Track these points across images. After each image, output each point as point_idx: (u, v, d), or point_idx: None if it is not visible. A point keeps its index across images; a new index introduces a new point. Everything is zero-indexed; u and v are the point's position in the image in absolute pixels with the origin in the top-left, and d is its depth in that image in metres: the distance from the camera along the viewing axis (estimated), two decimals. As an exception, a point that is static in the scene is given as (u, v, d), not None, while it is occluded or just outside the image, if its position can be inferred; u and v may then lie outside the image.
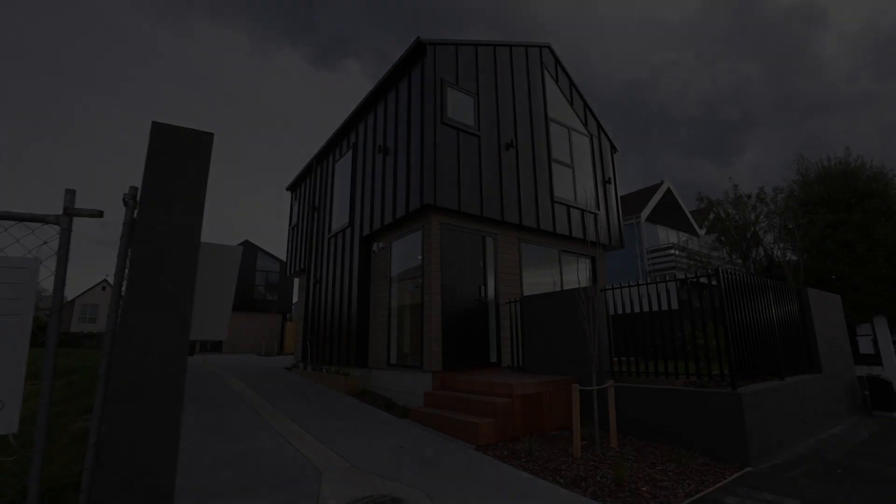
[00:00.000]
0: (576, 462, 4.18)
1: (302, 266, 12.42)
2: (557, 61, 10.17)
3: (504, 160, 8.18)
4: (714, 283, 4.93)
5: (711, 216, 15.99)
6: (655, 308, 5.50)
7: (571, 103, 10.18)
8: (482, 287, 7.43)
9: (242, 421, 5.71)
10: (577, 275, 8.95)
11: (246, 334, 27.16)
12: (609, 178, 10.43)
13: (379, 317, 8.19)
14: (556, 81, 9.98)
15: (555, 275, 8.79)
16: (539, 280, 8.44)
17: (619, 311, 6.06)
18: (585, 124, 10.37)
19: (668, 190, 20.13)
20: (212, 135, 1.68)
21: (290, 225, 14.32)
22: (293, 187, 14.38)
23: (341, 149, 10.85)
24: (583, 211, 9.40)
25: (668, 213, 19.79)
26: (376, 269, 8.55)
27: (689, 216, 21.08)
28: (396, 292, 7.87)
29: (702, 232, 20.02)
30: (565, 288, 8.15)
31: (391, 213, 7.80)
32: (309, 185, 12.77)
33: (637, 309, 5.71)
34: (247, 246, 28.51)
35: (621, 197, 22.39)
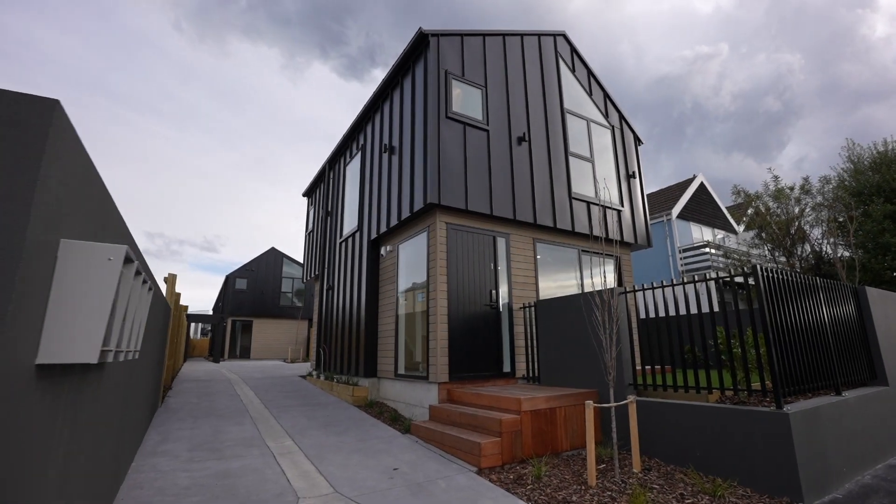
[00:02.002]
0: (590, 491, 3.63)
1: (317, 272, 12.25)
2: (574, 50, 9.58)
3: (516, 155, 7.67)
4: (752, 282, 4.27)
5: (750, 211, 14.85)
6: (684, 312, 4.85)
7: (590, 94, 9.55)
8: (493, 291, 6.93)
9: (237, 436, 5.42)
10: (599, 276, 8.28)
11: (273, 341, 27.52)
12: (633, 173, 9.70)
13: (387, 324, 7.82)
14: (573, 71, 9.38)
15: (575, 277, 8.17)
16: (558, 283, 7.85)
17: (645, 316, 5.43)
18: (606, 116, 9.70)
19: (702, 185, 18.97)
20: (55, 101, 1.31)
21: (306, 231, 14.24)
22: (308, 193, 14.30)
23: (351, 151, 10.61)
24: (605, 208, 8.74)
25: (702, 209, 18.61)
26: (384, 274, 8.20)
27: (726, 212, 19.79)
28: (404, 298, 7.48)
29: (740, 229, 18.71)
30: (587, 291, 7.54)
31: (397, 214, 7.43)
32: (322, 190, 12.61)
33: (663, 313, 5.09)
34: (273, 252, 28.90)
35: (649, 194, 21.34)
